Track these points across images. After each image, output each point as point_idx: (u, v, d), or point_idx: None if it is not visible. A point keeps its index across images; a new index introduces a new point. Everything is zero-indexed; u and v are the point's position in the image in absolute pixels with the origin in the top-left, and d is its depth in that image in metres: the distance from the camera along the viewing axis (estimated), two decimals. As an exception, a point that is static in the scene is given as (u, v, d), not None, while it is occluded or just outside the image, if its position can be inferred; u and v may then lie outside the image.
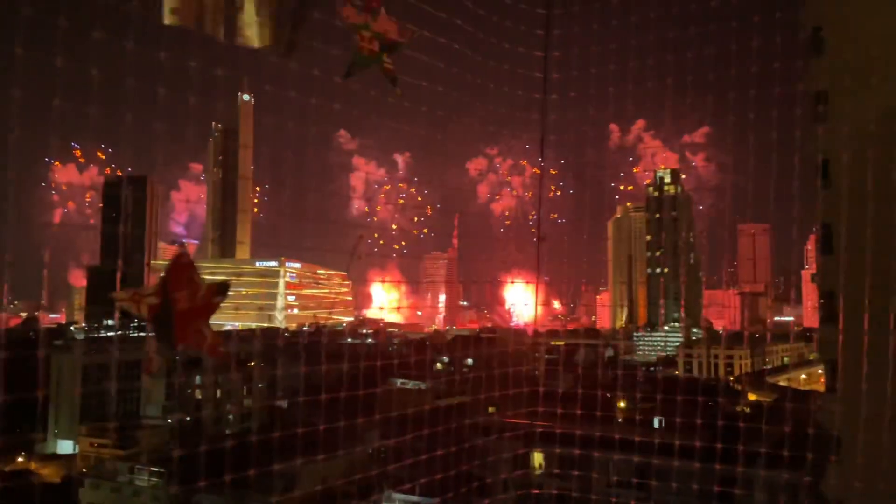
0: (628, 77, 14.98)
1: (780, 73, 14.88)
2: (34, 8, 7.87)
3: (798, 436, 13.89)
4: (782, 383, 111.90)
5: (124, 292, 7.57)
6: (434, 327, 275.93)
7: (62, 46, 7.99)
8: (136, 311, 7.48)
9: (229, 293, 8.28)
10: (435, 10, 11.45)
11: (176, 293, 7.46)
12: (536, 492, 15.28)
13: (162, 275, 7.63)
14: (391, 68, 9.39)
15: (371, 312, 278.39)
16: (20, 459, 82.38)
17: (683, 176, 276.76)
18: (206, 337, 7.66)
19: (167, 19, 7.94)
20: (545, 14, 13.60)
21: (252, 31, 8.25)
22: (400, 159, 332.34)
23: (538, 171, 15.65)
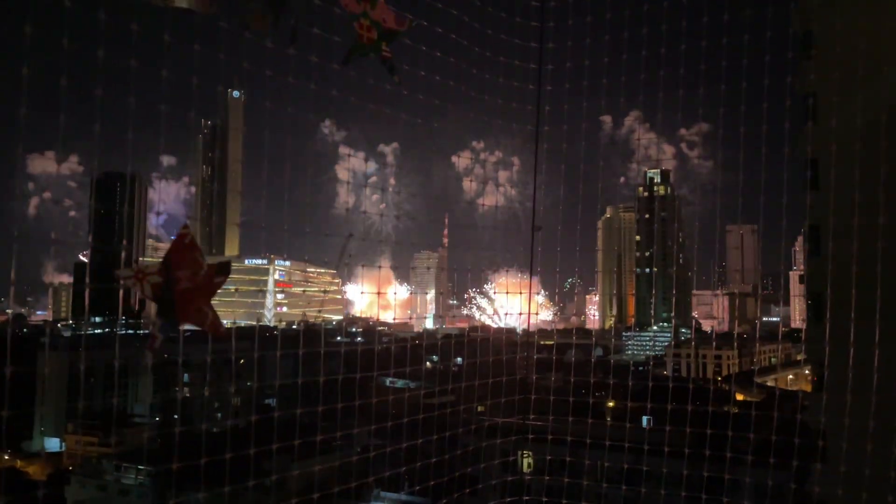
0: (622, 70, 14.93)
1: (771, 71, 14.89)
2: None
3: (785, 436, 13.96)
4: (770, 383, 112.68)
5: (128, 270, 7.58)
6: (424, 326, 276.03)
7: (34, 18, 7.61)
8: (139, 290, 7.50)
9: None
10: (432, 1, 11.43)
11: (178, 272, 7.51)
12: (527, 498, 15.26)
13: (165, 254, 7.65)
14: (389, 56, 9.37)
15: (360, 310, 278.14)
16: (5, 457, 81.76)
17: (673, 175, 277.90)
18: (208, 315, 7.72)
19: None
20: (539, 6, 13.66)
21: None
22: (388, 150, 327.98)
23: (534, 158, 15.35)
